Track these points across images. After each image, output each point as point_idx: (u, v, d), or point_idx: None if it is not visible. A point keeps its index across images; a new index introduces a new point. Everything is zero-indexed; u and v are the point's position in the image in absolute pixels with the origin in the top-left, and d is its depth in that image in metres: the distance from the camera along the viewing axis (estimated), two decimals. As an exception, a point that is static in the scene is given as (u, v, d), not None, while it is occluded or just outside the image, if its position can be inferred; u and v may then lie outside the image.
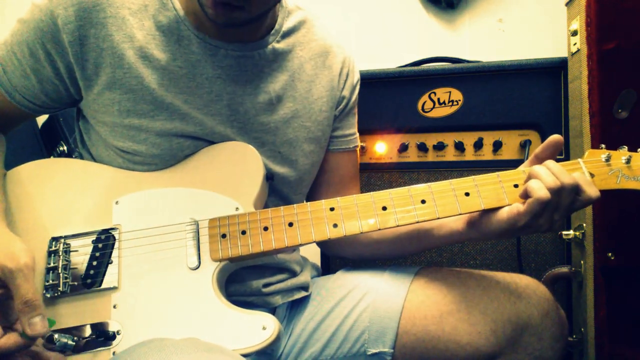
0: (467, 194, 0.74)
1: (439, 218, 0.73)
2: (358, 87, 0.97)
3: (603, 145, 0.77)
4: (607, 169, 0.75)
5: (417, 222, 0.72)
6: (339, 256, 1.19)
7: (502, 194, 0.73)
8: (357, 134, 1.00)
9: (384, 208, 0.73)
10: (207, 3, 0.68)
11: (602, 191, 0.72)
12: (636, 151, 0.76)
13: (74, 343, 0.67)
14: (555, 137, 0.74)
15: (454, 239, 0.83)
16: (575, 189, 0.69)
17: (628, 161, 0.75)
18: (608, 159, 0.75)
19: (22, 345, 0.62)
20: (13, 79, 0.77)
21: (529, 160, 0.78)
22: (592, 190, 0.70)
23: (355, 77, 0.97)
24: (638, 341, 1.01)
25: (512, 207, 0.72)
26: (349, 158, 0.99)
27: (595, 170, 0.75)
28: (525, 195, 0.71)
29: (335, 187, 0.98)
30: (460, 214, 0.74)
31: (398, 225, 0.73)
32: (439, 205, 0.73)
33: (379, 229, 0.73)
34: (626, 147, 0.76)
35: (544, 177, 0.69)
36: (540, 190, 0.68)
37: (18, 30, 0.76)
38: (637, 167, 0.75)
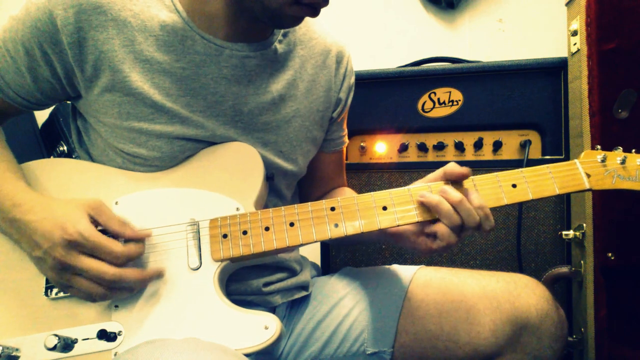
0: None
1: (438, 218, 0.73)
2: (353, 88, 0.98)
3: (599, 146, 0.78)
4: (602, 170, 0.76)
5: (417, 221, 0.73)
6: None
7: (500, 194, 0.73)
8: (346, 131, 1.03)
9: (384, 208, 0.74)
10: (287, 6, 0.68)
11: (598, 191, 0.74)
12: (631, 152, 0.77)
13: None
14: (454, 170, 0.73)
15: (378, 239, 0.88)
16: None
17: (623, 162, 0.76)
18: (604, 160, 0.76)
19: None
20: (6, 76, 0.76)
21: (438, 175, 0.75)
22: (488, 225, 0.71)
23: (352, 79, 0.97)
24: (638, 341, 1.01)
25: (427, 244, 0.73)
26: (338, 156, 1.03)
27: (591, 170, 0.75)
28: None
29: (322, 182, 1.02)
30: None
31: (398, 225, 0.73)
32: None
33: (380, 229, 0.73)
34: (621, 148, 0.77)
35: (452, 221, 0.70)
36: (450, 237, 0.70)
37: (12, 27, 0.74)
38: (632, 167, 0.76)
